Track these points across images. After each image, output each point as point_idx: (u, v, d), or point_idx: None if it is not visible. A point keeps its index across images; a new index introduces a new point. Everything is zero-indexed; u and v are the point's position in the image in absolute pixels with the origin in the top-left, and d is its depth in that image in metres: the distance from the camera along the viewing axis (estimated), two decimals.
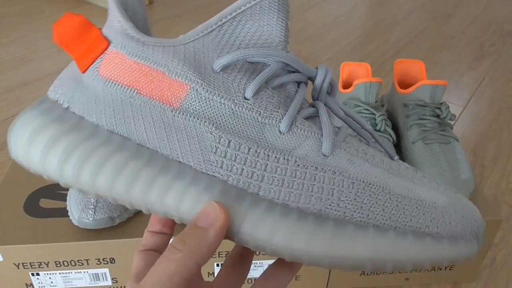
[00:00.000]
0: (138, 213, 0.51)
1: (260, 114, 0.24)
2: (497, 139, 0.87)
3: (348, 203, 0.23)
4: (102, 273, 0.51)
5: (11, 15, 1.36)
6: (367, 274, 0.56)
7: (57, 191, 0.55)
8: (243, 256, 0.29)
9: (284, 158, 0.23)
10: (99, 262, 0.50)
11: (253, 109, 0.24)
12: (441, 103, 0.57)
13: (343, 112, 0.27)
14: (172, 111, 0.23)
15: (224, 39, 0.25)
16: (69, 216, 0.50)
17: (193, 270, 0.22)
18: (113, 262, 0.50)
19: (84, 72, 0.24)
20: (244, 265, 0.29)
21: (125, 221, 0.50)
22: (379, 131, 0.55)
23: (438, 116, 0.57)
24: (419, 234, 0.24)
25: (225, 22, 0.24)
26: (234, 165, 0.23)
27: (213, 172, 0.23)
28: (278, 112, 0.24)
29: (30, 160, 0.23)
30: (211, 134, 0.23)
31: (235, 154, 0.23)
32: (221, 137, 0.23)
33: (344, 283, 0.57)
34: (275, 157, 0.23)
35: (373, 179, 0.24)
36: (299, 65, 0.25)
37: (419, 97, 0.58)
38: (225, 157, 0.23)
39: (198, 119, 0.23)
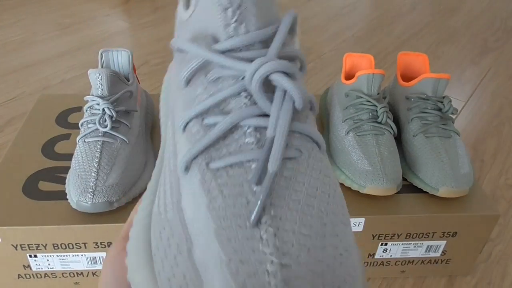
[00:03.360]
0: (136, 199, 0.51)
1: None
2: (498, 134, 0.87)
3: None
4: (99, 257, 0.51)
5: None
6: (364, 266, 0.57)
7: (56, 174, 0.55)
8: None
9: None
10: (96, 246, 0.50)
11: None
12: (443, 97, 0.57)
13: None
14: None
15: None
16: (68, 199, 0.50)
17: None
18: (110, 246, 0.50)
19: None
20: None
21: (124, 206, 0.50)
22: (380, 123, 0.55)
23: (440, 109, 0.57)
24: None
25: None
26: None
27: None
28: None
29: None
30: None
31: None
32: None
33: None
34: None
35: None
36: None
37: (421, 90, 0.57)
38: None
39: None
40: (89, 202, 0.47)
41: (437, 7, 1.43)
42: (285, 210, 0.18)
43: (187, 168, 0.21)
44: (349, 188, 0.53)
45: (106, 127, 0.51)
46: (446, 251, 0.56)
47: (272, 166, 0.19)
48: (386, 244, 0.54)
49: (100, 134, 0.52)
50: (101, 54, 0.57)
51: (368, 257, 0.55)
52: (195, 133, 0.21)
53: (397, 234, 0.53)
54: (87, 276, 0.53)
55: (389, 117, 0.56)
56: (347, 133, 0.55)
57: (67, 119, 0.64)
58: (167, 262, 0.19)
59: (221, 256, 0.17)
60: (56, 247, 0.50)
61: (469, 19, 1.35)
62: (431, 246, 0.55)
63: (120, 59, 0.59)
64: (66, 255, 0.51)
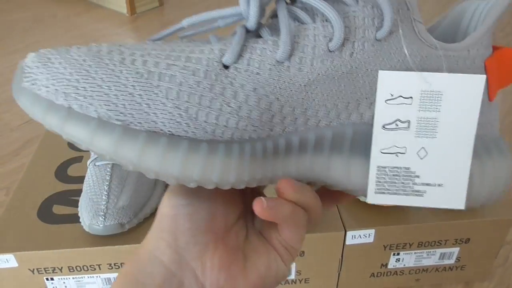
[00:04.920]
0: (147, 219, 0.52)
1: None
2: (510, 133, 0.85)
3: None
4: (114, 278, 0.52)
5: (24, 20, 1.38)
6: (377, 276, 0.56)
7: (69, 197, 0.56)
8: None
9: None
10: (110, 267, 0.51)
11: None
12: None
13: None
14: None
15: None
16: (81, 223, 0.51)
17: None
18: None
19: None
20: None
21: (135, 227, 0.51)
22: None
23: None
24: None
25: None
26: None
27: None
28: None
29: None
30: None
31: None
32: None
33: (353, 285, 0.57)
34: None
35: None
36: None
37: None
38: None
39: None
40: (101, 225, 0.48)
41: (442, 8, 1.42)
42: None
43: None
44: (357, 200, 0.53)
45: None
46: (460, 257, 0.55)
47: None
48: (398, 254, 0.54)
49: None
50: None
51: (381, 267, 0.55)
52: None
53: (409, 243, 0.53)
54: None
55: None
56: None
57: None
58: None
59: None
60: (71, 270, 0.51)
61: None
62: (445, 253, 0.54)
63: None
64: (82, 277, 0.52)
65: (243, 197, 0.29)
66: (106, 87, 0.21)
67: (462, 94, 0.23)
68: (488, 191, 0.26)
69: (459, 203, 0.25)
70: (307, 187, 0.25)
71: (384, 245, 0.53)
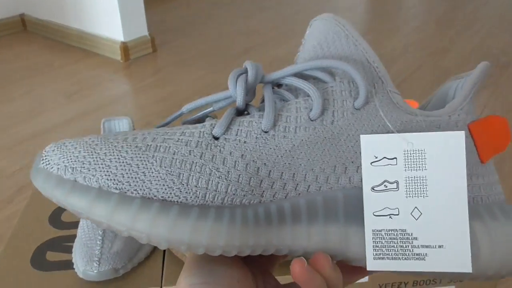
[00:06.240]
0: (141, 264, 0.52)
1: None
2: (499, 172, 0.87)
3: None
4: None
5: (22, 69, 1.41)
6: None
7: (63, 243, 0.56)
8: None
9: None
10: None
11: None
12: None
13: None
14: None
15: None
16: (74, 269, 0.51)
17: None
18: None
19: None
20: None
21: (129, 272, 0.50)
22: None
23: None
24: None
25: None
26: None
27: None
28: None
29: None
30: None
31: None
32: None
33: None
34: None
35: None
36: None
37: None
38: None
39: None
40: (95, 271, 0.48)
41: (429, 49, 1.47)
42: None
43: None
44: None
45: None
46: None
47: None
48: None
49: None
50: (103, 123, 0.60)
51: None
52: None
53: (404, 283, 0.53)
54: None
55: None
56: None
57: None
58: None
59: None
60: None
61: (461, 58, 1.39)
62: None
63: (122, 127, 0.61)
64: None
65: (255, 278, 0.29)
66: (108, 160, 0.24)
67: (444, 151, 0.24)
68: (501, 259, 0.25)
69: (465, 266, 0.24)
70: (337, 267, 0.25)
71: (379, 284, 0.53)
